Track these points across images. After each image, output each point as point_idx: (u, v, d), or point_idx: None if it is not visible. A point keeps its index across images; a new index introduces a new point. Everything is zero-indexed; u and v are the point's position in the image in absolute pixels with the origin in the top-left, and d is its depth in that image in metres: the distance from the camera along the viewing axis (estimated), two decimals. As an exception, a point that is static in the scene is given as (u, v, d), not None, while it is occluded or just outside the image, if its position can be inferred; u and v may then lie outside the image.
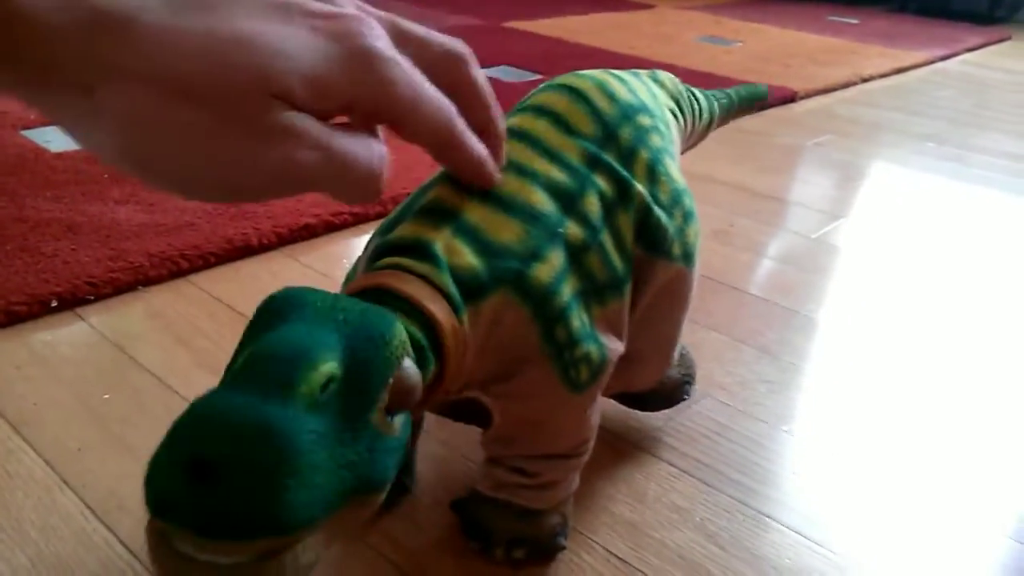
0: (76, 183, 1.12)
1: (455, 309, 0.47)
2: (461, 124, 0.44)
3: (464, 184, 0.52)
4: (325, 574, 0.57)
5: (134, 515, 0.61)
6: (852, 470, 0.72)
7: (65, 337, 0.82)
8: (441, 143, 0.44)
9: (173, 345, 0.82)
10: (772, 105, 1.93)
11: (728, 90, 0.83)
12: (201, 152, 0.34)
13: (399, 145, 1.43)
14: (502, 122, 0.49)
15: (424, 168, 1.27)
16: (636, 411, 0.76)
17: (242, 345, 0.38)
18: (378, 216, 1.13)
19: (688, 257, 0.63)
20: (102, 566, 0.57)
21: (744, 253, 1.15)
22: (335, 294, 0.40)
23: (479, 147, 0.47)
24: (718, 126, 0.82)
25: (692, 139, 0.79)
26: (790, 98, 1.99)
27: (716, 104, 0.79)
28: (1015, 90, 2.45)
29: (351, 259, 1.03)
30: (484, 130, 0.48)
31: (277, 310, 0.38)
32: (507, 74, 1.93)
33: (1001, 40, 3.44)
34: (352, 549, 0.60)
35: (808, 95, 2.05)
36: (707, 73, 2.14)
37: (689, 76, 2.08)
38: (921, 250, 1.21)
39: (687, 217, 0.63)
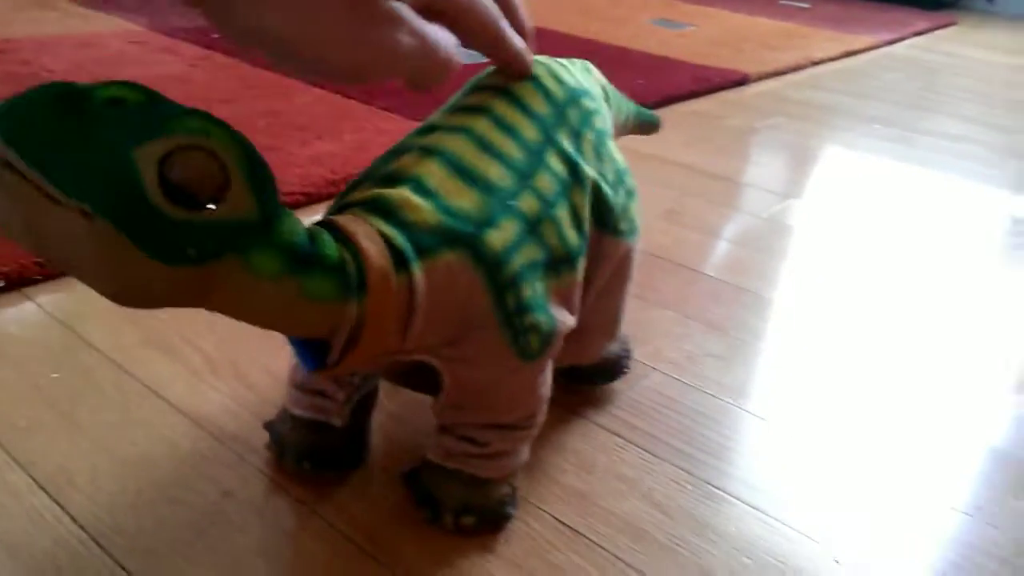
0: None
1: (406, 260, 0.48)
2: (505, 23, 0.54)
3: (428, 154, 0.54)
4: (280, 550, 0.58)
5: (85, 492, 0.61)
6: (799, 442, 0.75)
7: (13, 317, 0.81)
8: (490, 38, 0.53)
9: (122, 323, 0.81)
10: (724, 87, 1.96)
11: (632, 103, 0.84)
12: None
13: (353, 126, 1.42)
14: (530, 24, 0.58)
15: (377, 148, 1.27)
16: (584, 386, 0.77)
17: None
18: (329, 196, 1.13)
19: (633, 232, 0.66)
20: (54, 543, 0.57)
21: (694, 233, 1.17)
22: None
23: (520, 42, 0.56)
24: (618, 135, 0.83)
25: (624, 129, 0.81)
26: (741, 81, 2.02)
27: (629, 108, 0.81)
28: (960, 74, 2.52)
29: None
30: (520, 30, 0.57)
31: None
32: (463, 55, 1.93)
33: (947, 25, 3.52)
34: (308, 525, 0.60)
35: (759, 78, 2.08)
36: (661, 56, 2.16)
37: (643, 59, 2.10)
38: (870, 229, 1.24)
39: (629, 194, 0.66)
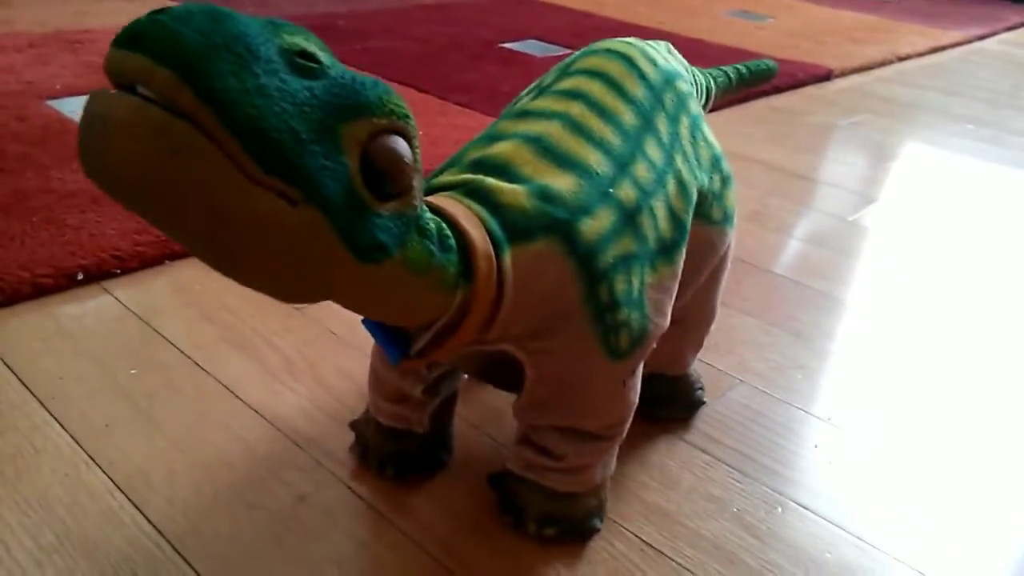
0: (102, 154, 1.11)
1: (498, 245, 0.46)
2: None
3: (522, 141, 0.51)
4: (355, 560, 0.56)
5: (162, 493, 0.60)
6: (889, 460, 0.70)
7: (91, 310, 0.81)
8: None
9: (199, 320, 0.81)
10: (807, 83, 1.89)
11: (727, 68, 0.80)
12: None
13: (428, 121, 1.40)
14: None
15: (452, 145, 1.25)
16: (661, 417, 0.73)
17: None
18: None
19: (727, 219, 0.63)
20: (129, 544, 0.56)
21: (777, 234, 1.12)
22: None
23: None
24: (715, 103, 0.79)
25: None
26: (825, 76, 1.94)
27: (713, 82, 0.77)
28: (1056, 70, 2.39)
29: (378, 235, 1.02)
30: None
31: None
32: (536, 48, 1.90)
33: (1041, 19, 3.35)
34: (383, 534, 0.58)
35: (843, 73, 2.00)
36: (739, 48, 2.10)
37: (721, 52, 2.04)
38: (957, 233, 1.17)
39: (725, 181, 0.63)
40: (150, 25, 0.29)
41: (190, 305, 0.83)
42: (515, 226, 0.47)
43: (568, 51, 1.88)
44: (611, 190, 0.51)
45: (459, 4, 2.34)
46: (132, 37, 0.29)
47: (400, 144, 0.36)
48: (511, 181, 0.49)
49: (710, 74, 0.77)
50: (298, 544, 0.57)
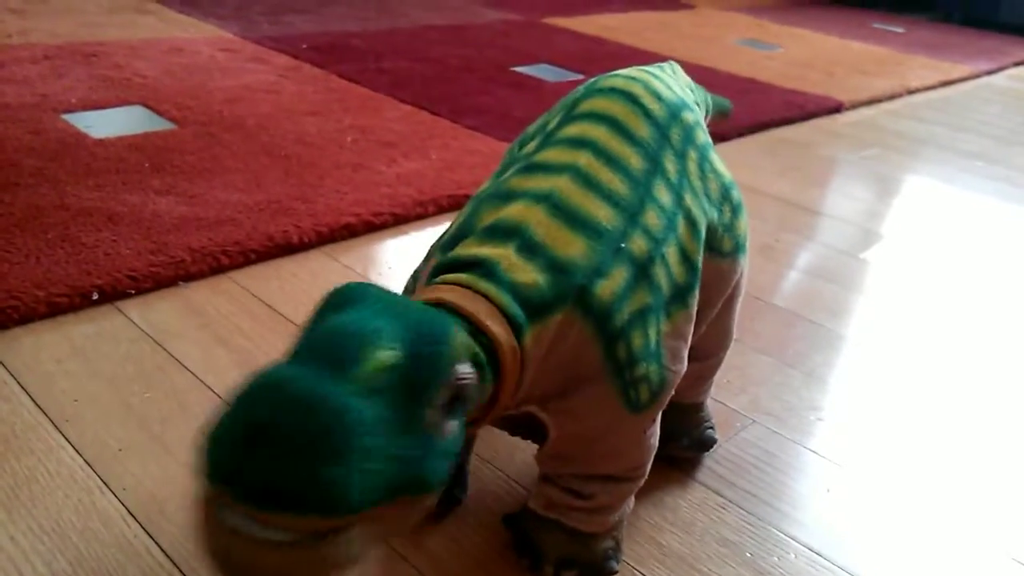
0: (117, 171, 1.12)
1: (518, 327, 0.47)
2: None
3: (534, 201, 0.52)
4: (367, 595, 0.56)
5: (175, 521, 0.60)
6: (905, 506, 0.70)
7: (106, 331, 0.81)
8: None
9: (213, 344, 0.81)
10: (817, 115, 1.90)
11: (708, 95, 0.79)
12: None
13: (440, 144, 1.41)
14: None
15: (464, 170, 1.26)
16: (675, 456, 0.73)
17: (308, 327, 0.39)
18: (417, 217, 1.12)
19: (739, 249, 0.63)
20: (141, 574, 0.56)
21: (790, 270, 1.12)
22: (391, 292, 0.40)
23: None
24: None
25: None
26: (836, 108, 1.95)
27: (707, 102, 0.77)
28: (1063, 108, 2.40)
29: (390, 261, 1.02)
30: None
31: (344, 298, 0.39)
32: (548, 73, 1.91)
33: (1048, 54, 3.36)
34: (397, 571, 0.58)
35: (853, 106, 2.01)
36: (748, 78, 2.11)
37: (731, 81, 2.05)
38: (966, 272, 1.18)
39: (735, 211, 0.62)
40: (266, 475, 0.31)
41: (204, 328, 0.83)
42: (532, 303, 0.48)
43: (580, 77, 1.89)
44: (623, 245, 0.52)
45: (472, 25, 2.35)
46: (256, 490, 0.31)
47: (467, 374, 0.39)
48: (526, 245, 0.50)
49: (702, 92, 0.77)
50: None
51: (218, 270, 0.93)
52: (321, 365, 0.33)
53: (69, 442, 0.66)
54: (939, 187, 1.56)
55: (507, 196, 0.53)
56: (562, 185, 0.52)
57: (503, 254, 0.49)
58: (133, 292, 0.87)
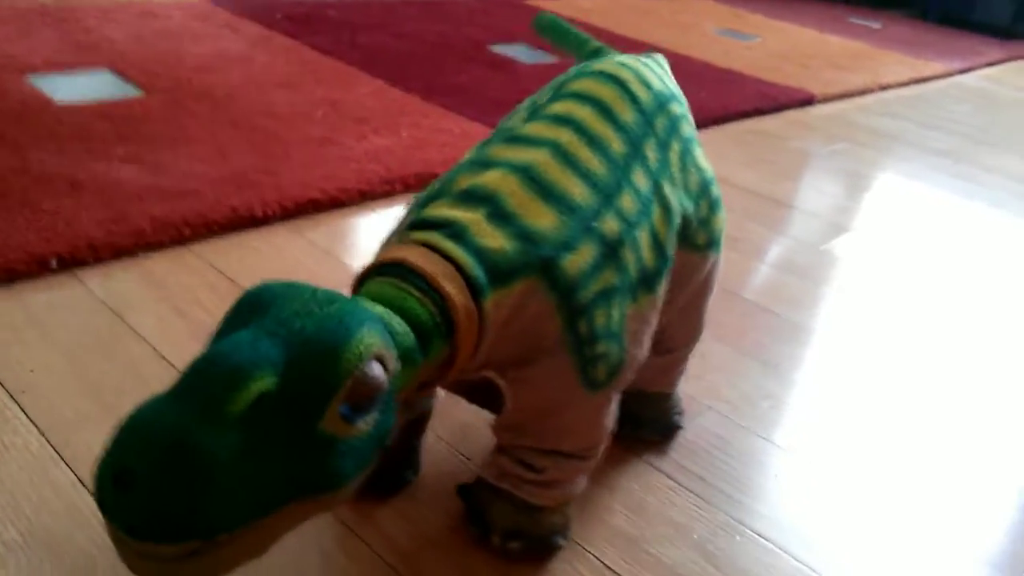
0: (81, 138, 1.10)
1: (479, 291, 0.48)
2: None
3: (511, 171, 0.52)
4: (321, 573, 0.57)
5: (126, 493, 0.60)
6: (852, 494, 0.72)
7: (63, 300, 0.80)
8: None
9: (171, 315, 0.80)
10: (789, 107, 1.91)
11: None
12: None
13: (411, 122, 1.40)
14: None
15: (434, 149, 1.25)
16: (637, 436, 0.74)
17: (214, 336, 0.41)
18: (385, 195, 1.11)
19: (713, 245, 0.64)
20: (93, 544, 0.56)
21: (753, 261, 1.14)
22: (310, 292, 0.41)
23: None
24: None
25: None
26: (807, 101, 1.97)
27: None
28: (1031, 109, 2.43)
29: (356, 237, 1.02)
30: None
31: (247, 308, 0.41)
32: (524, 54, 1.90)
33: (1022, 57, 3.41)
34: (346, 545, 0.59)
35: (825, 99, 2.03)
36: (725, 68, 2.11)
37: (707, 71, 2.06)
38: (930, 269, 1.20)
39: (713, 206, 0.63)
40: (130, 512, 0.35)
41: (163, 300, 0.83)
42: (497, 268, 0.49)
43: (555, 60, 1.88)
44: (594, 223, 0.52)
45: (450, 1, 2.33)
46: (125, 523, 0.35)
47: (374, 376, 0.40)
48: (497, 213, 0.50)
49: None
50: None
51: (180, 241, 0.92)
52: (191, 403, 0.36)
53: (25, 413, 0.66)
54: (906, 184, 1.58)
55: (485, 164, 0.54)
56: (540, 159, 0.53)
57: (473, 219, 0.50)
58: (92, 261, 0.86)
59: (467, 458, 0.68)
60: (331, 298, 0.41)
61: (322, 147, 1.19)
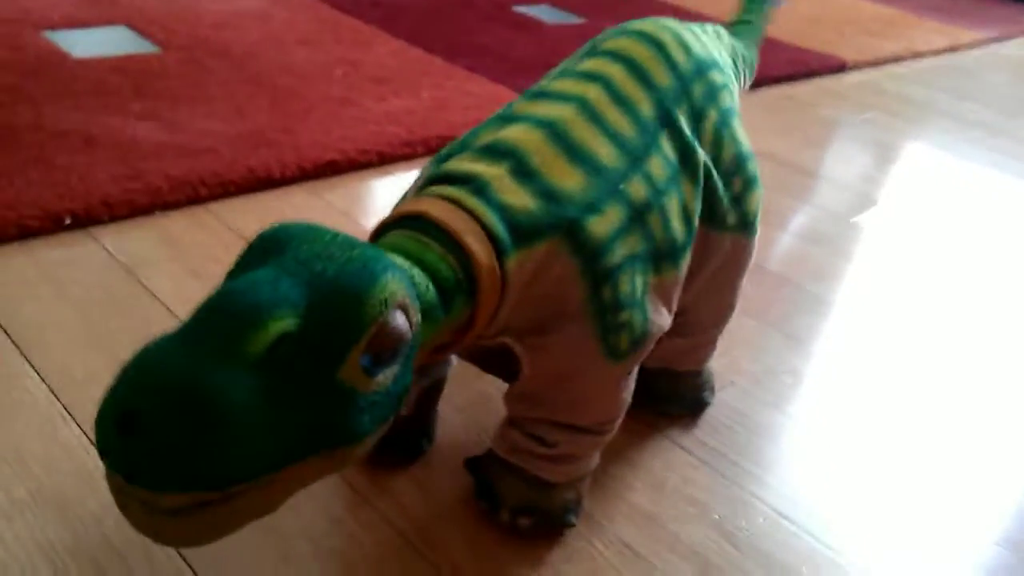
0: (97, 93, 1.08)
1: (502, 250, 0.45)
2: None
3: (535, 126, 0.50)
4: (331, 537, 0.56)
5: (136, 456, 0.59)
6: (872, 472, 0.70)
7: (77, 257, 0.79)
8: None
9: (185, 275, 0.79)
10: (821, 73, 1.86)
11: (747, 30, 0.74)
12: None
13: (433, 83, 1.37)
14: None
15: (456, 111, 1.23)
16: (664, 413, 0.72)
17: (227, 277, 0.38)
18: (404, 157, 1.09)
19: (746, 226, 0.60)
20: (101, 506, 0.55)
21: (782, 233, 1.11)
22: (331, 235, 0.38)
23: None
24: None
25: (741, 96, 0.75)
26: (839, 68, 1.91)
27: (754, 58, 0.74)
28: (1070, 80, 2.36)
29: (374, 199, 1.00)
30: None
31: (262, 249, 0.38)
32: (549, 14, 1.86)
33: (1059, 25, 3.31)
34: (359, 513, 0.58)
35: (858, 66, 1.98)
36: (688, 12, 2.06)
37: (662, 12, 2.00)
38: (957, 243, 1.16)
39: (748, 184, 0.60)
40: (135, 456, 0.31)
41: (178, 259, 0.81)
42: (520, 228, 0.46)
43: (582, 20, 1.84)
44: (621, 186, 0.50)
45: (474, -38, 2.28)
46: (128, 469, 0.32)
47: (397, 326, 0.37)
48: (520, 169, 0.48)
49: (745, 38, 0.72)
50: (271, 517, 0.56)
51: (196, 201, 0.90)
52: (205, 343, 0.33)
53: (34, 368, 0.65)
54: (938, 155, 1.53)
55: (509, 119, 0.52)
56: (566, 115, 0.51)
57: (496, 174, 0.47)
58: (107, 219, 0.85)
59: (485, 429, 0.67)
60: (352, 243, 0.38)
61: (341, 107, 1.16)
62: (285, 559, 0.54)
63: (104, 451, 0.33)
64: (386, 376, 0.37)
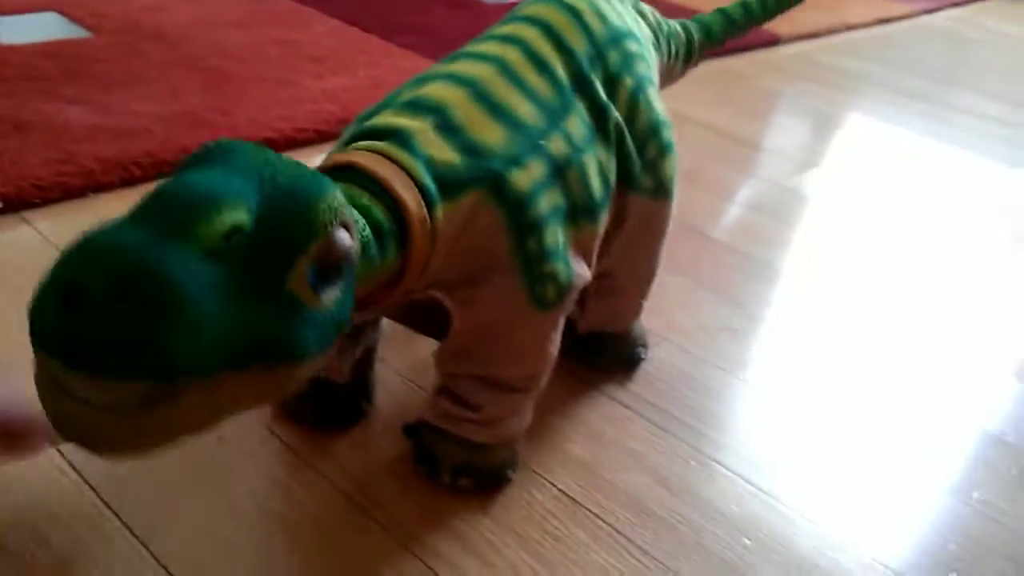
0: (27, 79, 1.07)
1: (430, 202, 0.46)
2: None
3: (456, 83, 0.51)
4: (273, 499, 0.57)
5: (75, 429, 0.59)
6: (805, 422, 0.73)
7: (11, 241, 0.78)
8: None
9: (124, 256, 0.79)
10: (755, 47, 1.90)
11: (729, 8, 0.77)
12: None
13: (369, 61, 1.36)
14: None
15: (392, 88, 1.22)
16: (597, 370, 0.74)
17: (172, 178, 0.36)
18: (340, 135, 1.09)
19: (661, 190, 0.62)
20: (43, 479, 0.55)
21: (713, 198, 1.13)
22: (274, 153, 0.38)
23: None
24: (701, 58, 0.79)
25: (671, 77, 0.77)
26: (773, 41, 1.95)
27: (696, 39, 0.76)
28: (997, 52, 2.44)
29: (315, 178, 1.00)
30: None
31: (206, 156, 0.37)
32: (487, -5, 1.87)
33: (987, -3, 3.40)
34: (300, 475, 0.59)
35: (792, 39, 2.02)
36: (689, 8, 2.09)
37: (669, 9, 2.03)
38: (891, 205, 1.20)
39: (663, 149, 0.62)
40: (75, 333, 0.29)
41: (114, 239, 0.81)
42: (445, 180, 0.47)
43: None
44: (542, 142, 0.52)
45: (413, -56, 2.27)
46: (65, 350, 0.30)
47: (342, 242, 0.37)
48: (444, 124, 0.49)
49: (698, 23, 0.75)
50: (215, 481, 0.57)
51: (129, 182, 0.90)
52: (157, 226, 0.32)
53: (-33, 351, 0.64)
54: (874, 124, 1.58)
55: (429, 78, 0.53)
56: (486, 74, 0.52)
57: (420, 127, 0.48)
58: (40, 202, 0.84)
59: (423, 389, 0.68)
60: (297, 162, 0.38)
61: (278, 87, 1.16)
62: (232, 519, 0.54)
63: (41, 333, 0.30)
64: (329, 297, 0.37)
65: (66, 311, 0.29)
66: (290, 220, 0.35)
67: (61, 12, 1.32)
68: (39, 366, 0.31)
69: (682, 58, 0.73)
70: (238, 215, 0.33)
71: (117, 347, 0.29)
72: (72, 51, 1.17)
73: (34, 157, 0.88)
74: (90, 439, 0.31)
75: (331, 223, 0.36)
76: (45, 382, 0.31)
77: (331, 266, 0.37)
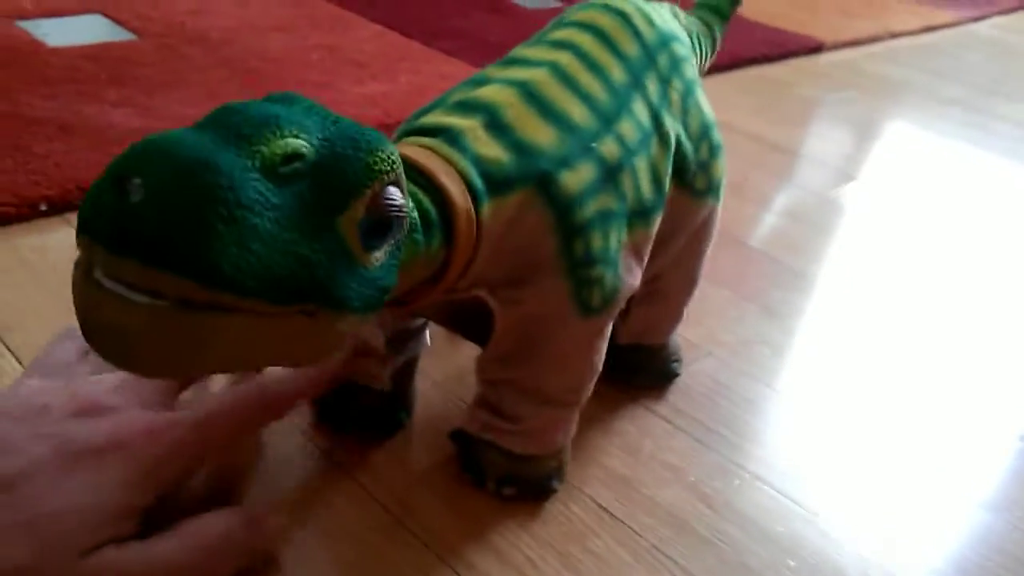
0: (72, 81, 1.08)
1: (476, 198, 0.46)
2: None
3: (507, 85, 0.50)
4: (309, 507, 0.56)
5: (116, 433, 0.59)
6: (849, 438, 0.71)
7: (53, 243, 0.79)
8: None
9: (165, 259, 0.79)
10: (797, 54, 1.87)
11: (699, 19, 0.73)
12: None
13: (411, 67, 1.37)
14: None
15: (433, 94, 1.22)
16: (633, 384, 0.73)
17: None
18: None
19: (713, 192, 0.62)
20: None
21: (755, 207, 1.12)
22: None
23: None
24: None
25: (703, 72, 0.76)
26: (816, 48, 1.92)
27: (709, 45, 0.75)
28: (1045, 58, 2.38)
29: (353, 183, 1.00)
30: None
31: (269, 98, 0.36)
32: None
33: (1035, 5, 3.33)
34: (340, 486, 0.58)
35: (834, 47, 1.99)
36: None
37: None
38: (935, 218, 1.18)
39: (713, 151, 0.62)
40: (126, 218, 0.29)
41: (156, 242, 0.81)
42: (493, 178, 0.47)
43: (560, 4, 1.84)
44: (594, 145, 0.51)
45: (452, -51, 2.28)
46: (114, 233, 0.29)
47: (394, 198, 0.36)
48: (494, 123, 0.49)
49: (707, 7, 0.72)
50: (252, 489, 0.57)
51: (173, 185, 0.90)
52: (221, 135, 0.31)
53: (11, 352, 0.65)
54: (916, 133, 1.55)
55: (481, 81, 0.53)
56: (539, 77, 0.52)
57: (470, 125, 0.48)
58: (84, 204, 0.85)
59: (463, 401, 0.68)
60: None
61: (318, 91, 1.16)
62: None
63: (90, 218, 0.30)
64: (376, 257, 0.36)
65: (120, 198, 0.29)
66: (350, 161, 0.34)
67: (106, 15, 1.33)
68: (79, 263, 0.31)
69: (708, 51, 0.72)
70: (300, 143, 0.33)
71: (166, 238, 0.28)
72: (116, 54, 1.18)
73: (79, 159, 0.89)
74: (117, 338, 0.30)
75: (389, 172, 0.36)
76: (79, 277, 0.31)
77: (382, 221, 0.36)
